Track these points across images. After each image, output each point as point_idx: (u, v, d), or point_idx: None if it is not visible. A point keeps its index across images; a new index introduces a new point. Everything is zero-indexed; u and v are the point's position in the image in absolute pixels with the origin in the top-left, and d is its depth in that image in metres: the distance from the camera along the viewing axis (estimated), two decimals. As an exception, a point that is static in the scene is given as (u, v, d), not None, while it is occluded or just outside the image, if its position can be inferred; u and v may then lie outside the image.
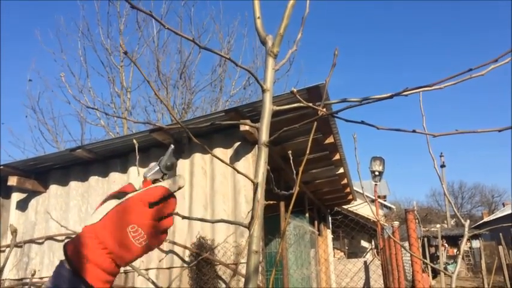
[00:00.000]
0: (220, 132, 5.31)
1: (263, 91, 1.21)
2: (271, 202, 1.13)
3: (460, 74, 1.01)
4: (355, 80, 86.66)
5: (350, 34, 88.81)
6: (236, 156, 5.18)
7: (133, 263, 5.22)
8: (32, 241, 5.96)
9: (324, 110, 1.23)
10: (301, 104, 1.12)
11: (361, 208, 16.16)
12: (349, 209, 15.49)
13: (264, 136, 1.16)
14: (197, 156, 5.39)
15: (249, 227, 1.10)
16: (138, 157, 1.71)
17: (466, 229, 1.64)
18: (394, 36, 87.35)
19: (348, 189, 10.09)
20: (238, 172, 1.11)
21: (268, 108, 1.18)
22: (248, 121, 4.69)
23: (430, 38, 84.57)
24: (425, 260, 1.57)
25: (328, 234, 12.39)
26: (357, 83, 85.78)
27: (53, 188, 6.09)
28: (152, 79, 13.87)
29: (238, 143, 5.19)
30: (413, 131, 0.95)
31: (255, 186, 1.09)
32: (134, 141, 1.77)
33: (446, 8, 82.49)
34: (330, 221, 12.91)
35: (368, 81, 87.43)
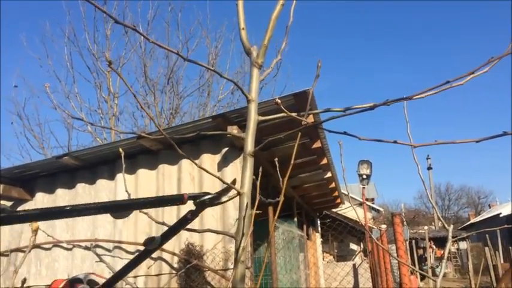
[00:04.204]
0: (208, 138, 5.31)
1: (248, 101, 1.23)
2: (257, 212, 1.15)
3: (440, 85, 1.05)
4: (343, 82, 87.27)
5: (339, 37, 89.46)
6: (224, 162, 5.18)
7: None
8: (18, 250, 5.89)
9: (310, 119, 1.26)
10: (286, 114, 1.14)
11: (349, 211, 16.24)
12: (337, 212, 15.56)
13: (250, 146, 1.18)
14: (185, 162, 5.38)
15: (235, 237, 1.11)
16: (124, 165, 1.71)
17: (450, 234, 1.67)
18: (382, 39, 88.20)
19: (336, 193, 10.14)
20: (224, 182, 1.12)
21: (253, 118, 1.20)
22: (235, 127, 4.66)
23: (414, 40, 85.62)
24: (410, 265, 1.60)
25: (317, 238, 12.42)
26: (345, 85, 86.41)
27: (40, 196, 6.03)
28: (139, 84, 13.81)
29: (226, 148, 5.20)
30: (395, 142, 0.98)
31: (241, 196, 1.10)
32: (120, 150, 1.78)
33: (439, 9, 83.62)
34: (319, 224, 12.95)
35: (355, 84, 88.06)
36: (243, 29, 1.32)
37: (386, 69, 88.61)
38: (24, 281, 5.16)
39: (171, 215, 5.19)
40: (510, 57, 1.02)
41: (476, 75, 1.03)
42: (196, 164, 1.24)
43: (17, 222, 1.05)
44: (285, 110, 1.13)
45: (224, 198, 1.09)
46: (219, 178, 1.22)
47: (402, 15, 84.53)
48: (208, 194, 1.14)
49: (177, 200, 1.12)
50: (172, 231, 1.28)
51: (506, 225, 2.41)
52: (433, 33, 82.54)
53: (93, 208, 1.18)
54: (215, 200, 1.11)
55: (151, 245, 1.28)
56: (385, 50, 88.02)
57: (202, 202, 1.10)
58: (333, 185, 9.11)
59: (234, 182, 1.15)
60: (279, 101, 1.16)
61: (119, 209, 1.25)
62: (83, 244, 5.56)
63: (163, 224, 1.35)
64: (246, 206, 1.09)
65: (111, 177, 5.73)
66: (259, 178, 1.30)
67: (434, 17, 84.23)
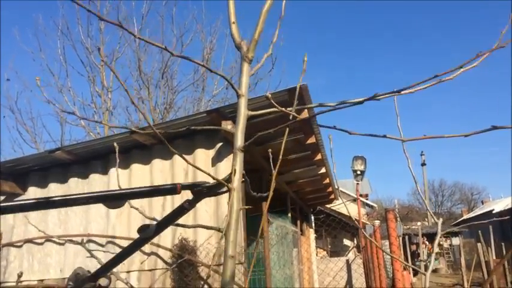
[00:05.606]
0: (202, 133, 5.29)
1: (238, 96, 1.21)
2: (247, 207, 1.14)
3: (430, 79, 1.04)
4: (341, 78, 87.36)
5: (338, 33, 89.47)
6: (218, 157, 5.16)
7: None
8: (10, 244, 5.85)
9: (305, 114, 1.25)
10: (276, 109, 1.12)
11: (343, 207, 16.28)
12: (331, 207, 15.59)
13: (239, 141, 1.16)
14: (179, 157, 5.35)
15: (225, 232, 1.10)
16: (118, 160, 1.69)
17: (439, 227, 1.67)
18: (377, 36, 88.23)
19: (330, 189, 10.15)
20: (214, 178, 1.11)
21: (243, 113, 1.18)
22: (230, 122, 4.62)
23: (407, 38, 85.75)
24: (403, 261, 1.59)
25: (311, 233, 12.45)
26: (343, 81, 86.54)
27: (32, 190, 5.99)
28: (133, 78, 13.72)
29: (220, 143, 5.18)
30: (384, 136, 0.97)
31: (230, 192, 1.09)
32: (115, 144, 1.76)
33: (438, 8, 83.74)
34: (313, 220, 12.98)
35: (354, 80, 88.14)
36: (233, 23, 1.31)
37: (385, 67, 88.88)
38: (20, 275, 5.15)
39: (165, 206, 5.17)
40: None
41: (465, 69, 1.02)
42: (186, 160, 1.23)
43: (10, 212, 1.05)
44: (276, 105, 1.11)
45: (223, 189, 1.06)
46: (209, 175, 1.20)
47: (402, 15, 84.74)
48: (206, 182, 1.11)
49: (170, 190, 1.09)
50: (168, 220, 1.26)
51: (496, 218, 2.42)
52: (433, 33, 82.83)
53: (85, 198, 1.17)
54: (213, 189, 1.08)
55: (146, 234, 1.26)
56: (385, 47, 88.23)
57: (200, 191, 1.08)
58: (327, 180, 9.11)
59: (230, 178, 1.13)
60: (269, 95, 1.15)
61: (111, 199, 1.22)
62: (76, 239, 5.53)
63: (153, 219, 1.33)
64: (236, 201, 1.07)
65: (104, 171, 5.70)
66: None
67: (435, 17, 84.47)
